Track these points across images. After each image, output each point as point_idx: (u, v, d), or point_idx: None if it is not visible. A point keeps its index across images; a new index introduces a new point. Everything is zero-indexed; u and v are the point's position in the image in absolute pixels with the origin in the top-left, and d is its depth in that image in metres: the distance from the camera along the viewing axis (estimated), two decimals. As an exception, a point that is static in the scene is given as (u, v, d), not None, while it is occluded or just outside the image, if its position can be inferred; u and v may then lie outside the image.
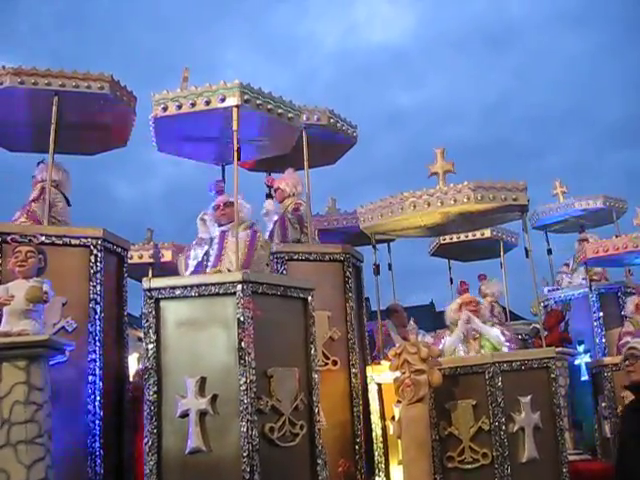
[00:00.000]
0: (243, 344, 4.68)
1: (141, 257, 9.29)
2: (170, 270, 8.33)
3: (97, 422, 5.63)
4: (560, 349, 8.50)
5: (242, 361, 4.66)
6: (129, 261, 7.09)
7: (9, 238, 5.55)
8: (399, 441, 5.66)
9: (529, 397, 5.84)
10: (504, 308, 9.83)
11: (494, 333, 6.50)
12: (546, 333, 9.37)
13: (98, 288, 5.87)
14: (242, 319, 4.71)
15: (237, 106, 5.46)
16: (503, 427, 5.67)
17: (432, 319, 15.54)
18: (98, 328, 5.81)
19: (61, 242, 5.89)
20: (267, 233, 7.47)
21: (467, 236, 10.32)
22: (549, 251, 11.50)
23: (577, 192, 11.25)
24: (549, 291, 11.07)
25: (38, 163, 7.03)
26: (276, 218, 7.71)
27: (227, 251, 5.71)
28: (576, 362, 9.55)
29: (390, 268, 9.25)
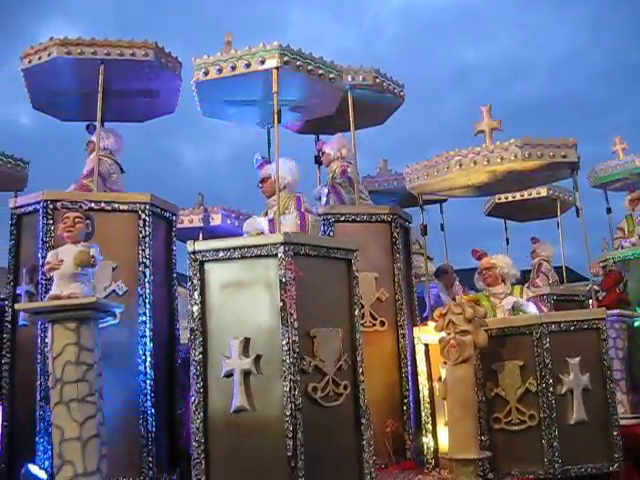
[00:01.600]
0: (286, 305, 4.70)
1: (191, 221, 9.44)
2: (219, 234, 8.45)
3: (148, 382, 5.81)
4: (618, 311, 8.30)
5: (284, 322, 4.68)
6: (180, 225, 7.23)
7: (58, 204, 5.70)
8: (445, 402, 5.65)
9: (578, 359, 5.74)
10: (560, 269, 9.67)
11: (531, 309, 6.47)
12: (604, 294, 9.19)
13: (147, 252, 6.00)
14: (284, 280, 4.73)
15: (277, 68, 5.43)
16: (551, 389, 5.61)
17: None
18: (148, 291, 5.96)
19: (110, 208, 6.03)
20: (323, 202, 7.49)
21: (523, 195, 10.16)
22: (608, 210, 11.21)
23: (644, 149, 10.83)
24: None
25: (87, 126, 7.16)
26: (327, 190, 7.72)
27: None
28: (635, 324, 9.33)
29: (442, 229, 9.17)
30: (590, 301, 9.49)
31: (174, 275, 6.52)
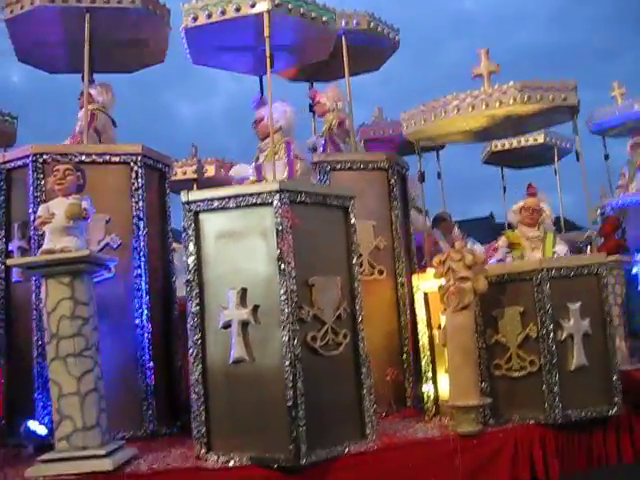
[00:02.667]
0: (282, 254, 4.62)
1: (185, 173, 9.33)
2: (214, 185, 8.33)
3: (146, 335, 5.78)
4: (616, 256, 8.24)
5: (282, 271, 4.61)
6: (173, 178, 7.12)
7: (48, 158, 5.58)
8: (445, 349, 5.62)
9: (578, 304, 5.68)
10: (558, 218, 9.59)
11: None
12: (602, 240, 9.13)
13: (140, 204, 5.91)
14: (280, 229, 4.64)
15: (268, 11, 5.27)
16: (551, 334, 5.55)
17: (492, 231, 15.30)
18: (142, 244, 5.89)
19: (101, 160, 5.92)
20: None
21: (520, 142, 10.05)
22: (606, 157, 11.08)
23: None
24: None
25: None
26: (323, 141, 7.59)
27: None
28: (633, 271, 9.29)
29: (439, 177, 9.07)
30: (588, 248, 9.46)
31: (168, 227, 6.43)
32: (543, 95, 5.94)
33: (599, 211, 10.19)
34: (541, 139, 10.02)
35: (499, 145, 10.19)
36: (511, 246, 6.63)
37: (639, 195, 10.07)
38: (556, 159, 10.37)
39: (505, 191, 10.92)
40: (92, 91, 6.80)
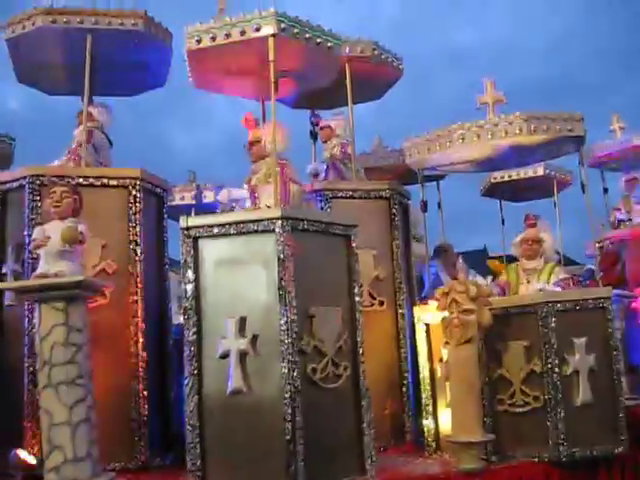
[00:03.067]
0: (283, 282, 4.51)
1: (183, 199, 9.22)
2: (212, 211, 8.23)
3: (140, 364, 5.63)
4: (617, 291, 8.15)
5: (282, 300, 4.49)
6: (170, 203, 7.02)
7: (45, 179, 5.47)
8: (447, 383, 5.49)
9: (584, 339, 5.59)
10: (558, 253, 9.49)
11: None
12: (601, 274, 9.05)
13: (137, 229, 5.81)
14: (282, 257, 4.53)
15: (273, 35, 5.19)
16: (556, 369, 5.45)
17: (485, 264, 15.20)
18: (139, 269, 5.76)
19: (99, 183, 5.82)
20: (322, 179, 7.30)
21: (519, 174, 9.95)
22: (605, 190, 11.05)
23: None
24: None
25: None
26: (325, 167, 7.53)
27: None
28: (633, 305, 9.20)
29: (439, 207, 8.98)
30: (588, 282, 9.39)
31: (165, 253, 6.30)
32: (549, 126, 5.88)
33: (598, 245, 10.12)
34: (541, 171, 9.95)
35: (498, 177, 10.12)
36: (495, 276, 6.58)
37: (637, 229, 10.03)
38: (555, 191, 10.31)
39: (504, 223, 10.83)
40: (92, 110, 6.73)
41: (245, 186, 5.85)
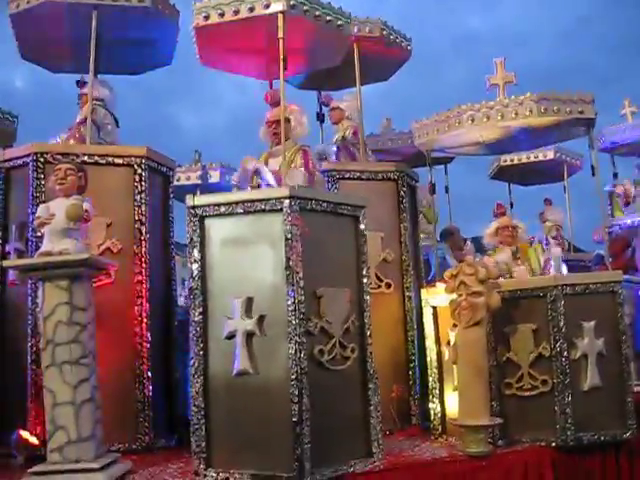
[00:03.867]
0: (291, 262, 4.43)
1: (188, 179, 9.16)
2: (218, 192, 8.16)
3: (145, 344, 5.59)
4: (626, 276, 8.08)
5: (290, 280, 4.42)
6: (176, 183, 6.95)
7: (49, 157, 5.40)
8: (454, 367, 5.43)
9: (593, 323, 5.51)
10: (562, 237, 9.45)
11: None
12: (610, 260, 8.98)
13: (143, 208, 5.75)
14: (289, 236, 4.46)
15: (282, 12, 5.10)
16: (564, 353, 5.38)
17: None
18: (144, 249, 5.72)
19: (104, 161, 5.76)
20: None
21: (529, 157, 9.91)
22: (615, 175, 10.96)
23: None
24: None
25: (77, 82, 6.84)
26: (335, 149, 7.44)
27: None
28: (641, 291, 9.14)
29: (447, 191, 8.90)
30: (597, 267, 9.31)
31: (171, 233, 6.25)
32: (560, 107, 5.79)
33: (608, 230, 10.05)
34: (551, 155, 9.88)
35: (508, 160, 10.05)
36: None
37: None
38: (565, 176, 10.24)
39: (512, 207, 10.76)
40: (86, 90, 6.62)
41: (252, 164, 5.67)
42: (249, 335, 4.50)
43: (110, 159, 5.76)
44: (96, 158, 5.70)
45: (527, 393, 5.48)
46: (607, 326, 5.61)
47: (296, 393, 4.32)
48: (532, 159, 9.84)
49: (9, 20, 6.32)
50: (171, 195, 6.28)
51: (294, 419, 4.29)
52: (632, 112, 10.66)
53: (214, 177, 9.47)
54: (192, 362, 4.62)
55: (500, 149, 7.23)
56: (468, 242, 8.23)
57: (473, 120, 5.94)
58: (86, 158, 5.59)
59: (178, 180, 8.18)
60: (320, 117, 8.02)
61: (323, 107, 7.95)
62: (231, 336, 4.54)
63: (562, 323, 5.41)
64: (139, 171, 5.77)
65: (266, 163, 5.72)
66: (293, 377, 4.34)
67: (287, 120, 5.59)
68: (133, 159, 5.78)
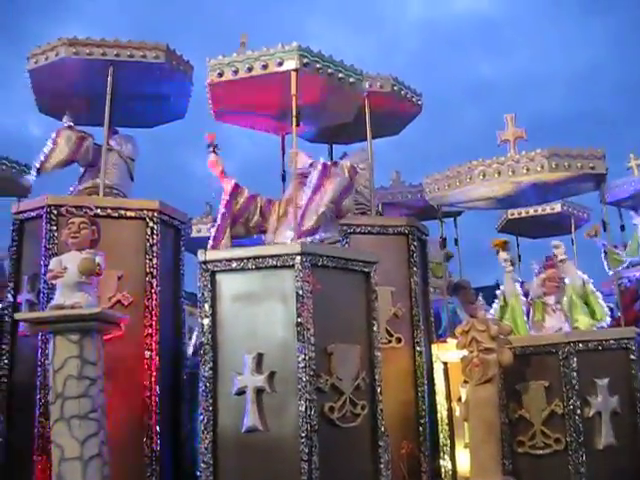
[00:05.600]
0: (302, 319, 4.44)
1: (199, 231, 9.17)
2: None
3: (153, 398, 5.54)
4: (637, 329, 8.03)
5: (301, 337, 4.42)
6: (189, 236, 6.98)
7: (63, 210, 5.44)
8: (466, 424, 5.38)
9: (606, 380, 5.48)
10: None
11: None
12: (620, 313, 8.93)
13: (154, 261, 5.77)
14: (301, 293, 4.47)
15: (296, 70, 5.18)
16: (578, 411, 5.34)
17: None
18: (154, 302, 5.72)
19: (117, 214, 5.80)
20: None
21: (536, 211, 9.86)
22: (622, 227, 10.93)
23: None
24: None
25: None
26: None
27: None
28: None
29: (457, 243, 8.89)
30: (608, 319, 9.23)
31: (181, 286, 6.25)
32: (571, 163, 5.84)
33: (616, 282, 9.99)
34: (558, 208, 9.86)
35: (515, 213, 10.04)
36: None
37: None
38: (573, 228, 10.21)
39: (520, 259, 10.72)
40: (112, 142, 6.71)
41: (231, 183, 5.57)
42: (259, 391, 4.48)
43: (123, 212, 5.81)
44: (109, 211, 5.75)
45: (540, 451, 5.43)
46: (621, 383, 5.58)
47: (306, 451, 4.28)
48: (540, 212, 9.80)
49: (28, 75, 6.44)
50: (182, 248, 6.30)
51: (304, 477, 4.24)
52: (638, 165, 10.68)
53: (225, 230, 9.46)
54: (201, 417, 4.60)
55: (510, 203, 7.26)
56: (480, 297, 8.18)
57: (484, 176, 6.00)
58: (99, 211, 5.63)
59: (190, 233, 8.19)
60: (331, 170, 8.04)
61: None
62: (241, 392, 4.52)
63: (575, 380, 5.37)
64: (151, 224, 5.81)
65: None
66: (303, 435, 4.31)
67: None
68: (145, 212, 5.83)
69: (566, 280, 6.54)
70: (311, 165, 6.22)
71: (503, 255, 6.52)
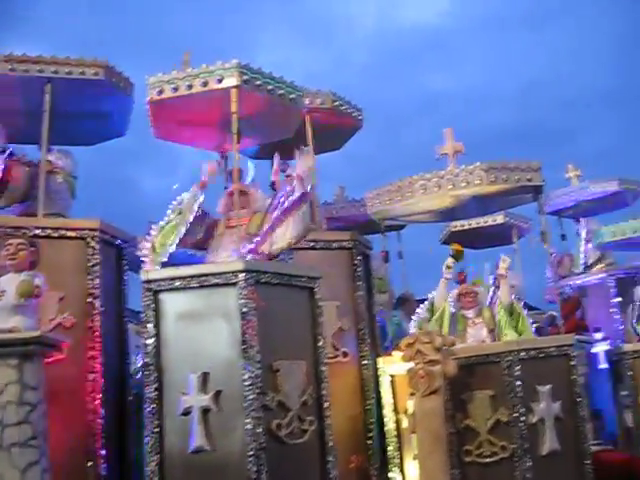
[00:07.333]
0: (246, 337, 4.44)
1: (141, 250, 9.03)
2: (172, 263, 8.10)
3: (98, 421, 5.44)
4: (577, 337, 8.20)
5: (246, 355, 4.42)
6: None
7: (1, 230, 5.32)
8: (413, 435, 5.41)
9: (548, 386, 5.58)
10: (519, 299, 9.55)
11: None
12: (562, 321, 9.12)
13: (96, 282, 5.68)
14: (245, 310, 4.47)
15: (236, 87, 5.20)
16: (522, 418, 5.42)
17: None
18: (97, 323, 5.62)
19: (57, 235, 5.69)
20: None
21: (479, 222, 10.03)
22: (563, 237, 11.19)
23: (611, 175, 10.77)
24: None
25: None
26: None
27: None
28: (593, 350, 9.28)
29: (401, 256, 8.98)
30: (549, 328, 9.43)
31: (125, 306, 6.16)
32: (509, 176, 5.97)
33: (558, 291, 10.21)
34: (500, 219, 10.05)
35: (458, 225, 10.20)
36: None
37: (598, 274, 10.16)
38: (515, 239, 10.41)
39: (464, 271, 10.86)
40: (51, 157, 6.59)
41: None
42: (205, 411, 4.45)
43: (63, 232, 5.70)
44: (48, 231, 5.64)
45: (487, 459, 5.49)
46: (563, 389, 5.68)
47: (254, 469, 4.27)
48: (482, 224, 9.98)
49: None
50: (125, 267, 6.22)
51: (252, 496, 4.21)
52: (576, 175, 10.97)
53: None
54: (147, 440, 4.54)
55: (451, 216, 7.37)
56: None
57: (425, 189, 6.07)
58: (38, 231, 5.53)
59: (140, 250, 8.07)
60: (274, 186, 8.06)
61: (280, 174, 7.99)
62: (187, 412, 4.48)
63: (518, 388, 5.46)
64: (92, 244, 5.72)
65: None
66: (251, 453, 4.30)
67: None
68: (86, 232, 5.73)
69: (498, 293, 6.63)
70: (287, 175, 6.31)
71: (449, 261, 6.59)
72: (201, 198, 5.41)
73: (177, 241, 5.32)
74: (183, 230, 5.33)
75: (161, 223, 5.36)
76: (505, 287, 6.47)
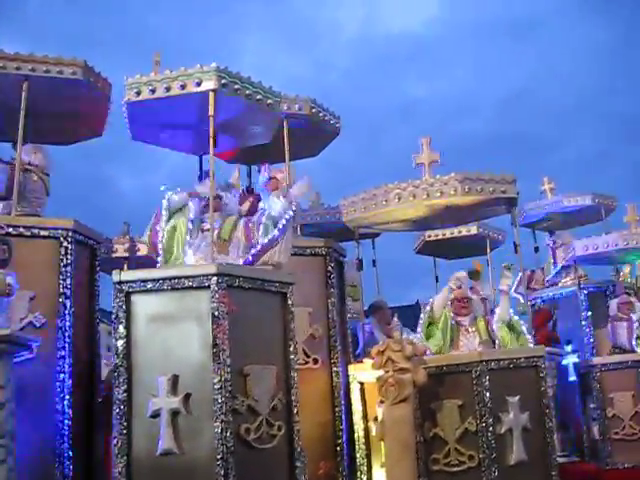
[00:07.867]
0: (217, 340, 4.44)
1: (116, 251, 8.98)
2: (146, 265, 8.05)
3: (66, 422, 5.43)
4: (548, 349, 8.29)
5: (216, 358, 4.41)
6: (104, 255, 6.86)
7: (-28, 229, 5.29)
8: (382, 443, 5.43)
9: (517, 397, 5.62)
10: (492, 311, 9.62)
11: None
12: (533, 332, 9.20)
13: (68, 282, 5.66)
14: (217, 314, 4.47)
15: (214, 90, 5.19)
16: (490, 428, 5.46)
17: (417, 319, 15.27)
18: (68, 323, 5.60)
19: (29, 233, 5.66)
20: None
21: (453, 233, 10.08)
22: (536, 249, 11.31)
23: (589, 187, 10.94)
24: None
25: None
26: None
27: None
28: (563, 362, 9.38)
29: (374, 264, 9.02)
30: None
31: (96, 307, 6.13)
32: (484, 187, 6.03)
33: (530, 303, 10.31)
34: (474, 230, 10.12)
35: (432, 235, 10.25)
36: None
37: (569, 287, 10.27)
38: (488, 250, 10.48)
39: (438, 280, 10.92)
40: (24, 155, 6.52)
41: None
42: (174, 413, 4.44)
43: (36, 231, 5.67)
44: (21, 230, 5.61)
45: (455, 469, 5.52)
46: (531, 400, 5.73)
47: (222, 473, 4.27)
48: (456, 234, 10.02)
49: None
50: (97, 268, 6.19)
51: (219, 500, 4.21)
52: (551, 188, 11.11)
53: (143, 250, 9.30)
54: (115, 441, 4.52)
55: (426, 226, 7.42)
56: (395, 318, 8.29)
57: (400, 198, 6.11)
58: (11, 230, 5.49)
59: (105, 252, 8.02)
60: (250, 191, 8.06)
61: (259, 178, 7.98)
62: (156, 415, 4.47)
63: (487, 398, 5.50)
64: (65, 244, 5.69)
65: None
66: (219, 457, 4.30)
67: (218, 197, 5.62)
68: (60, 232, 5.71)
69: (496, 310, 6.66)
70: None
71: (461, 275, 6.62)
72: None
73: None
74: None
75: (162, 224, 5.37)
76: (506, 303, 6.50)
